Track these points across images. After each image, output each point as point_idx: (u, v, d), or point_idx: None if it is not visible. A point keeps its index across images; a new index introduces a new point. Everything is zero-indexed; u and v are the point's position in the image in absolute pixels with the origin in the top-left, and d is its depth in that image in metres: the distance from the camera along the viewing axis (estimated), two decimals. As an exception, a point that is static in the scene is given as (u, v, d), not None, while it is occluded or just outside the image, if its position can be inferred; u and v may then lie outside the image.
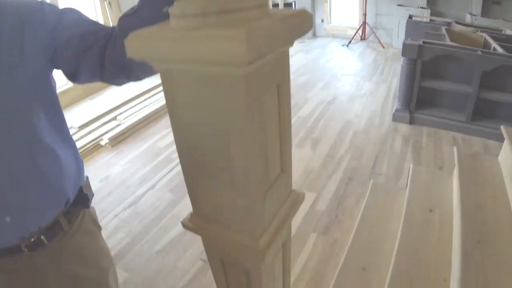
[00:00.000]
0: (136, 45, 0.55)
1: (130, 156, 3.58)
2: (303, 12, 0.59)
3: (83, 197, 1.02)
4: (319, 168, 3.13)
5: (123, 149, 3.71)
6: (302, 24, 0.58)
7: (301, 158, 3.31)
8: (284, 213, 0.76)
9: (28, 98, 0.83)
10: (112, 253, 1.99)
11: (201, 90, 0.56)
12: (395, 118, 3.87)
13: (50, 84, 0.91)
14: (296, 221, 2.66)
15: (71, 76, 0.91)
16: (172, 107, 0.62)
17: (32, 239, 0.88)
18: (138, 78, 0.88)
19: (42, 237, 0.90)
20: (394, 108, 3.90)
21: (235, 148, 0.58)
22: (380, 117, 3.98)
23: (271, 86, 0.62)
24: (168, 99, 0.61)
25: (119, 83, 0.93)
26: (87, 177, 1.08)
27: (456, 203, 2.27)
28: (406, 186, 2.76)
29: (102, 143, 3.74)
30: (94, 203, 1.11)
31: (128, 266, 2.46)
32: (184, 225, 0.80)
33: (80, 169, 1.03)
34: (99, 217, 1.16)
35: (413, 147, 3.40)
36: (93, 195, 1.08)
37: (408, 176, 2.64)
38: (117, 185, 3.18)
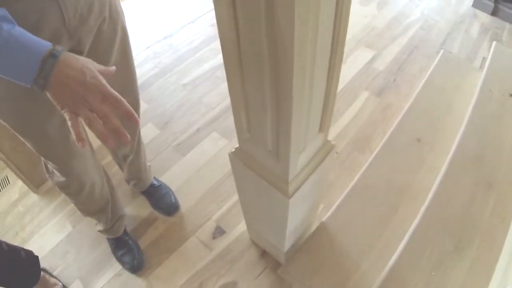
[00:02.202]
0: None
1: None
2: None
3: None
4: (383, 28, 2.53)
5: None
6: None
7: (364, 14, 2.69)
8: None
9: None
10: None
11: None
12: (476, 4, 3.13)
13: None
14: (349, 74, 2.20)
15: None
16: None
17: None
18: None
19: None
20: (478, -7, 3.13)
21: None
22: (459, -2, 3.21)
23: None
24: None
25: None
26: None
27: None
28: (480, 67, 2.19)
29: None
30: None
31: (151, 97, 2.12)
32: None
33: None
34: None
35: (492, 38, 2.72)
36: None
37: (489, 53, 2.05)
38: (155, 18, 2.72)
